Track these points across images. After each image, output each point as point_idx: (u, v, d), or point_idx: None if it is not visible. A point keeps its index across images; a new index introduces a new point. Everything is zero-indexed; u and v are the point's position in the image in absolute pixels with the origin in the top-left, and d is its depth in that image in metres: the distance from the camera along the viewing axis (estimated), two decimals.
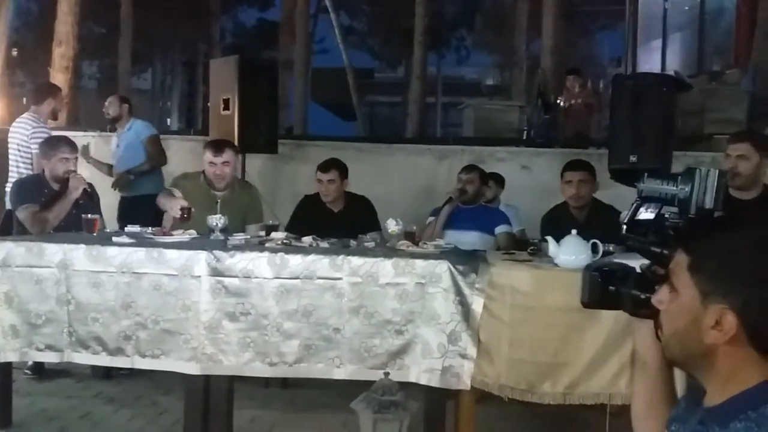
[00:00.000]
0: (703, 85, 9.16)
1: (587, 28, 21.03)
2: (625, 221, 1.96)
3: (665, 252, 1.32)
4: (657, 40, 13.03)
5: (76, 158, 4.07)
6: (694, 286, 1.13)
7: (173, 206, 3.81)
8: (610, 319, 2.56)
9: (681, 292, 1.16)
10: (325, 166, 4.32)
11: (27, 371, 3.94)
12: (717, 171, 2.11)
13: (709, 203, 2.06)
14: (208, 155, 4.10)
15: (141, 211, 4.58)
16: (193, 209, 3.76)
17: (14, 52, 13.89)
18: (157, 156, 5.32)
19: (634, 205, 2.01)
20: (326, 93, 22.20)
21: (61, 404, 3.64)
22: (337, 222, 4.16)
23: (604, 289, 1.39)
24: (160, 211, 4.86)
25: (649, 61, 13.05)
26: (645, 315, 1.31)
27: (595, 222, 3.72)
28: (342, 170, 4.32)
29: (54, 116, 5.08)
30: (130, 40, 14.76)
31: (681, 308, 1.16)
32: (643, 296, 1.31)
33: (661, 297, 1.22)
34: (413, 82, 15.09)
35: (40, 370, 3.98)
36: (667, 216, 1.99)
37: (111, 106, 5.50)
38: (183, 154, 6.14)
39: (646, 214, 1.97)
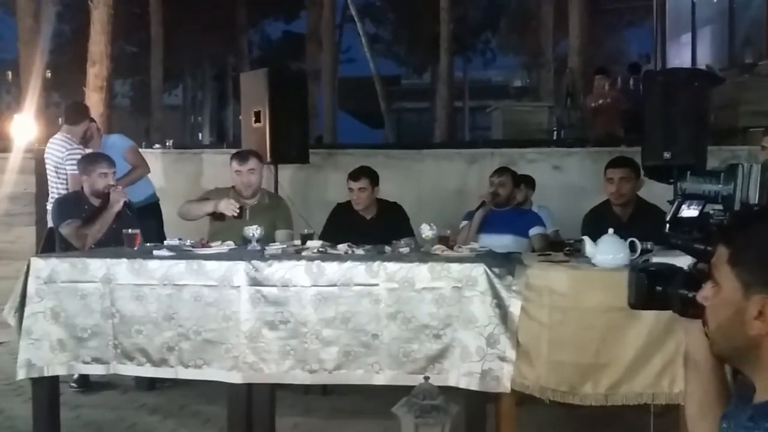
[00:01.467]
0: (736, 77, 8.99)
1: (614, 25, 20.79)
2: (668, 219, 1.95)
3: (709, 249, 1.30)
4: (686, 35, 12.81)
5: (114, 173, 4.17)
6: (735, 278, 1.12)
7: (229, 205, 4.02)
8: (651, 317, 2.53)
9: (723, 285, 1.15)
10: (355, 175, 4.35)
11: (73, 384, 4.04)
12: (760, 166, 2.10)
13: (753, 198, 2.05)
14: (235, 165, 4.25)
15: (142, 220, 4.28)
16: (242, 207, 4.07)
17: (48, 74, 14.21)
18: (142, 164, 5.10)
19: (676, 203, 2.00)
20: (354, 101, 22.35)
21: (107, 416, 3.73)
22: (371, 229, 4.19)
23: (650, 289, 1.37)
24: (160, 220, 4.99)
25: (679, 56, 12.84)
26: (694, 315, 1.30)
27: (639, 220, 3.65)
28: (373, 178, 4.36)
29: (85, 139, 4.88)
30: (161, 57, 15.01)
31: (723, 301, 1.15)
32: (690, 295, 1.30)
33: (705, 293, 1.21)
34: (440, 87, 15.10)
35: (85, 383, 4.07)
36: (711, 213, 1.97)
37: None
38: (216, 168, 6.22)
39: (688, 211, 1.96)
